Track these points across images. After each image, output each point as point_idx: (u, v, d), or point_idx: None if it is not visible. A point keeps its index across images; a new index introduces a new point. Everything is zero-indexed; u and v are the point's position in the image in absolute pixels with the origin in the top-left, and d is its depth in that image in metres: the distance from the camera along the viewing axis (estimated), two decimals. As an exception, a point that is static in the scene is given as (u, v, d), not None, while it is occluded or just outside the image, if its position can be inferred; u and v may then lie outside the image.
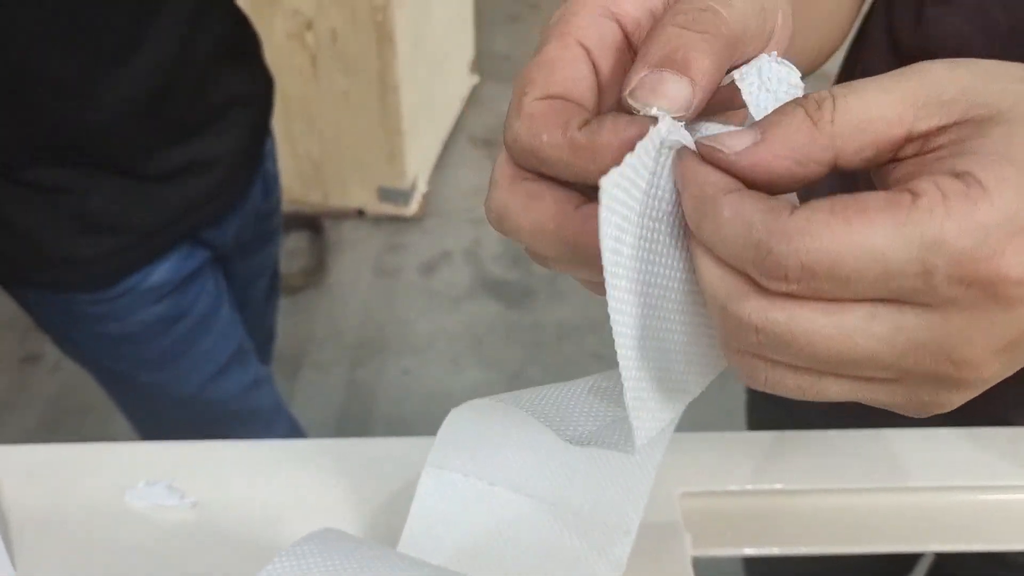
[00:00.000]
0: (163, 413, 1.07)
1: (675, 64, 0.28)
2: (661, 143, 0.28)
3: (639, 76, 0.28)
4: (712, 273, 0.27)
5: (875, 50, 0.65)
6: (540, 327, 2.07)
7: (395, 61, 2.09)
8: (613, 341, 0.29)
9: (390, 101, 2.15)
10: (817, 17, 0.48)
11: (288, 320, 2.08)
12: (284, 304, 2.12)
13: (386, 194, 2.31)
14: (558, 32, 0.31)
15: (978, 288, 0.24)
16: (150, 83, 0.86)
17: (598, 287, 0.29)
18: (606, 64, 0.31)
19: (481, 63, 2.82)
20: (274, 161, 1.09)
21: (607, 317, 0.28)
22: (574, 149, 0.28)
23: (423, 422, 1.86)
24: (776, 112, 0.27)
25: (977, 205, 0.24)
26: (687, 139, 0.28)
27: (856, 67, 0.68)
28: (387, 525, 0.61)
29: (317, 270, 2.20)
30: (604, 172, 0.26)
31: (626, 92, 0.28)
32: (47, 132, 0.84)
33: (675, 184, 0.29)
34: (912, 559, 0.96)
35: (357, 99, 2.17)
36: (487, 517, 0.53)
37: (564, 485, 0.50)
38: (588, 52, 0.31)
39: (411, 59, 2.17)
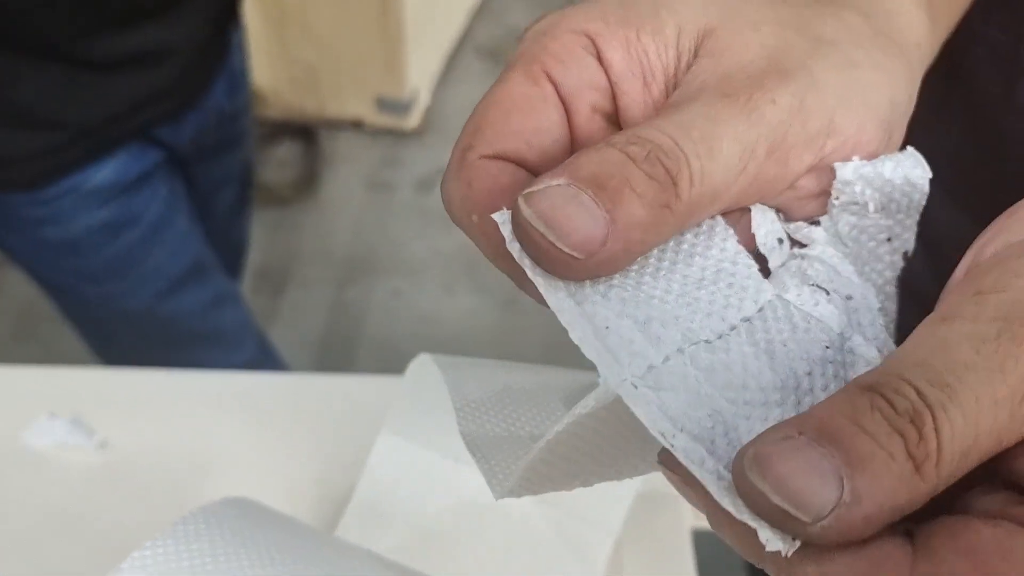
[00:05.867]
0: (112, 330, 0.99)
1: (603, 192, 0.21)
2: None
3: (551, 183, 0.21)
4: None
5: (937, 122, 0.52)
6: (539, 253, 1.98)
7: (398, -39, 1.96)
8: None
9: (392, 5, 2.02)
10: None
11: (275, 234, 2.00)
12: (271, 217, 2.04)
13: (385, 105, 2.20)
14: (526, 58, 0.24)
15: None
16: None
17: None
18: (583, 109, 0.24)
19: (492, -30, 2.67)
20: (243, 56, 0.98)
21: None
22: (498, 252, 0.23)
23: (412, 346, 1.78)
24: (864, 437, 0.18)
25: None
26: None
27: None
28: (336, 483, 0.53)
29: (308, 182, 2.11)
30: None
31: (522, 192, 0.21)
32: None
33: None
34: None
35: (357, 1, 2.03)
36: (447, 498, 0.46)
37: None
38: (559, 90, 0.24)
39: (416, -40, 2.04)
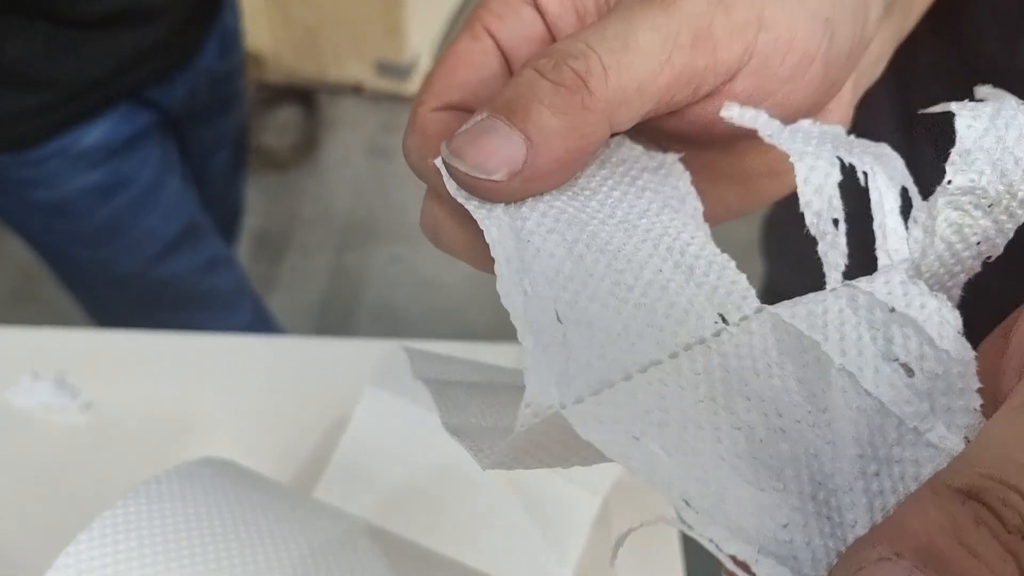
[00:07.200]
0: (106, 292, 0.98)
1: (513, 114, 0.22)
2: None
3: (475, 119, 0.22)
4: None
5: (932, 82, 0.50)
6: (540, 219, 1.97)
7: (398, -79, 1.93)
8: None
9: (393, -33, 1.99)
10: None
11: (274, 199, 1.99)
12: (271, 182, 2.02)
13: (385, 69, 2.18)
14: (472, 18, 0.26)
15: None
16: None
17: None
18: (521, 61, 0.26)
19: (495, -68, 2.63)
20: (236, 17, 0.97)
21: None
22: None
23: (411, 313, 1.78)
24: (974, 563, 0.15)
25: None
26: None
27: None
28: (325, 446, 0.52)
29: (308, 147, 2.09)
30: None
31: (446, 140, 0.22)
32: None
33: None
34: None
35: (357, -37, 2.01)
36: (432, 455, 0.45)
37: None
38: (498, 43, 0.26)
39: (416, -80, 2.01)
